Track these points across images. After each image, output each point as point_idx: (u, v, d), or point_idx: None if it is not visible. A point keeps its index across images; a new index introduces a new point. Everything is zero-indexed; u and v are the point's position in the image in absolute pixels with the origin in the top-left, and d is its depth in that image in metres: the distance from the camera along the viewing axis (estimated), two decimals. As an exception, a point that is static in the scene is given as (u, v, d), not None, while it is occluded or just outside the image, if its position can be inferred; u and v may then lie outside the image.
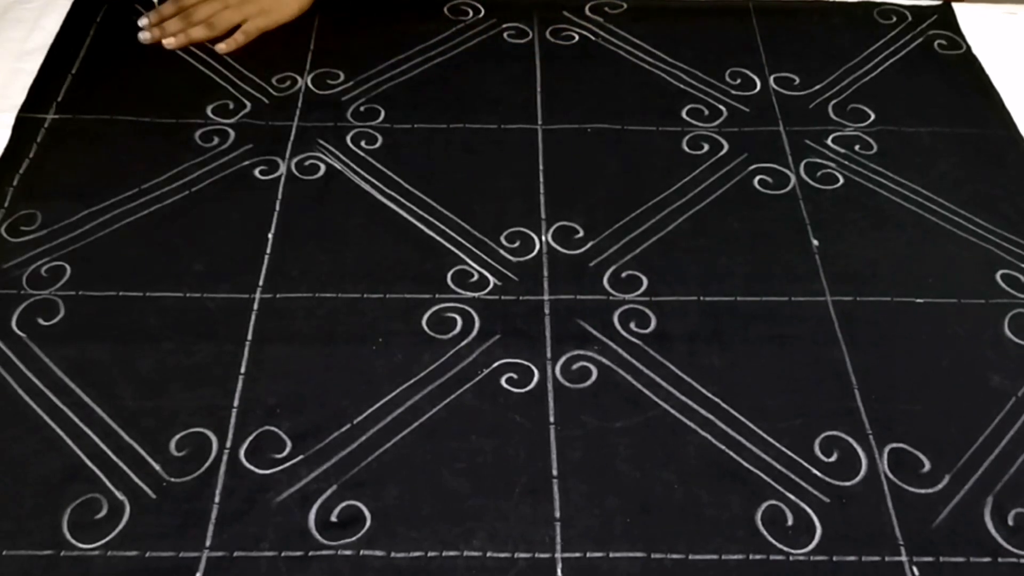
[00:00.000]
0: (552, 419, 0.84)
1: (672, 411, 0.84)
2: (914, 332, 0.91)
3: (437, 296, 0.93)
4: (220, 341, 0.88)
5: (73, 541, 0.74)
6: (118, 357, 0.87)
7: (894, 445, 0.83)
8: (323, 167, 1.05)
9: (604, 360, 0.88)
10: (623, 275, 0.95)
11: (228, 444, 0.81)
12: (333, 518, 0.77)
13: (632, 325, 0.91)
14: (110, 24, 1.23)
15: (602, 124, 1.12)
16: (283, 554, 0.74)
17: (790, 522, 0.77)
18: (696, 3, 1.30)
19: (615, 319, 0.91)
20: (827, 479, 0.80)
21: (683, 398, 0.85)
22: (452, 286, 0.94)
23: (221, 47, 1.18)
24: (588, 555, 0.75)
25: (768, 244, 0.99)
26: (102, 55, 1.18)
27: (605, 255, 0.97)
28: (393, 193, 1.03)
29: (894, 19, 1.28)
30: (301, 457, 0.80)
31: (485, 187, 1.04)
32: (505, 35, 1.24)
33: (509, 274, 0.95)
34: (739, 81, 1.18)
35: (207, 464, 0.80)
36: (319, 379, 0.86)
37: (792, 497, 0.79)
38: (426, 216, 1.01)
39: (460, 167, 1.06)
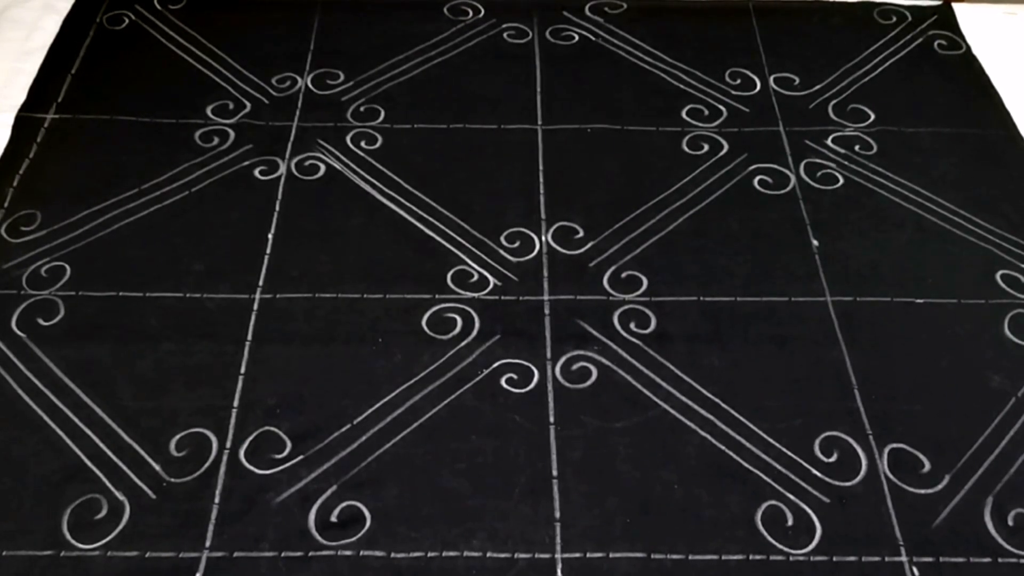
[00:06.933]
0: (552, 419, 0.83)
1: (672, 411, 0.84)
2: (914, 332, 0.91)
3: (437, 296, 0.93)
4: (220, 341, 0.88)
5: (73, 541, 0.74)
6: (118, 357, 0.87)
7: (894, 445, 0.83)
8: (323, 167, 1.05)
9: (604, 360, 0.88)
10: (623, 275, 0.95)
11: (228, 444, 0.81)
12: (333, 518, 0.77)
13: (632, 325, 0.91)
14: (110, 24, 1.23)
15: (602, 124, 1.12)
16: (283, 554, 0.74)
17: (790, 522, 0.78)
18: (696, 3, 1.30)
19: (615, 319, 0.91)
20: (827, 479, 0.80)
21: (683, 398, 0.85)
22: (452, 286, 0.94)
23: None
24: (588, 555, 0.75)
25: (768, 244, 0.99)
26: (102, 55, 1.18)
27: (605, 255, 0.97)
28: (393, 193, 1.03)
29: (894, 19, 1.28)
30: (301, 457, 0.80)
31: (485, 187, 1.04)
32: (505, 35, 1.24)
33: (509, 274, 0.95)
34: (739, 81, 1.18)
35: (207, 464, 0.80)
36: (319, 379, 0.86)
37: (792, 497, 0.79)
38: (426, 216, 1.01)
39: (460, 167, 1.06)
